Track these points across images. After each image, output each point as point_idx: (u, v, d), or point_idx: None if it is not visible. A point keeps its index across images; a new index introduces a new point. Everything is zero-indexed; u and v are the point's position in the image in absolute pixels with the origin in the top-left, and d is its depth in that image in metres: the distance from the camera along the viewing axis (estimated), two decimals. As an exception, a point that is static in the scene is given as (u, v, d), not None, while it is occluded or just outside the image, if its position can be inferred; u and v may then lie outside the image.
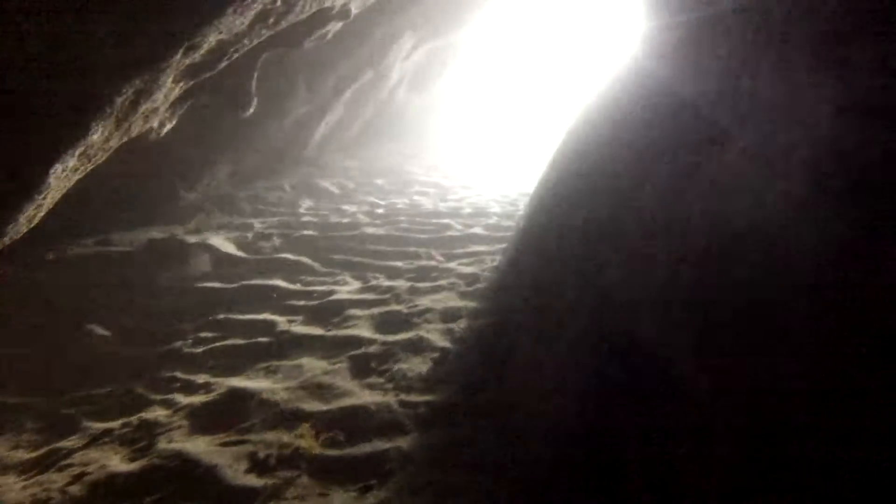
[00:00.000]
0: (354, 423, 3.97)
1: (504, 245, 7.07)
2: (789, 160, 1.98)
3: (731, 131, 2.44)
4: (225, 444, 3.90)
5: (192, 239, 7.46)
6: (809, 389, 1.66)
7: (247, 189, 10.12)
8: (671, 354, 2.23)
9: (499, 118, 21.89)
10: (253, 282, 6.49)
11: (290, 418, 4.09)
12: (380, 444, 3.73)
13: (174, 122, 6.65)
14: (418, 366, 4.61)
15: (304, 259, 7.06)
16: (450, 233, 7.98)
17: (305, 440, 3.86)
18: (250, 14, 5.40)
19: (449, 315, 5.45)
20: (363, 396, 4.25)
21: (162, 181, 8.56)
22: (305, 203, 9.65)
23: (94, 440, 4.07)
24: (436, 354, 4.75)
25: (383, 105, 14.30)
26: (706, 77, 2.90)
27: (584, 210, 3.89)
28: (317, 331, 5.38)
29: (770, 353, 1.79)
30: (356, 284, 6.38)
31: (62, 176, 4.85)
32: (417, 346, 4.91)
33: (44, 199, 4.86)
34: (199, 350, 5.23)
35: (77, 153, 4.79)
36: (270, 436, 3.93)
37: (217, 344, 5.30)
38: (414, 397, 4.19)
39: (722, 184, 2.31)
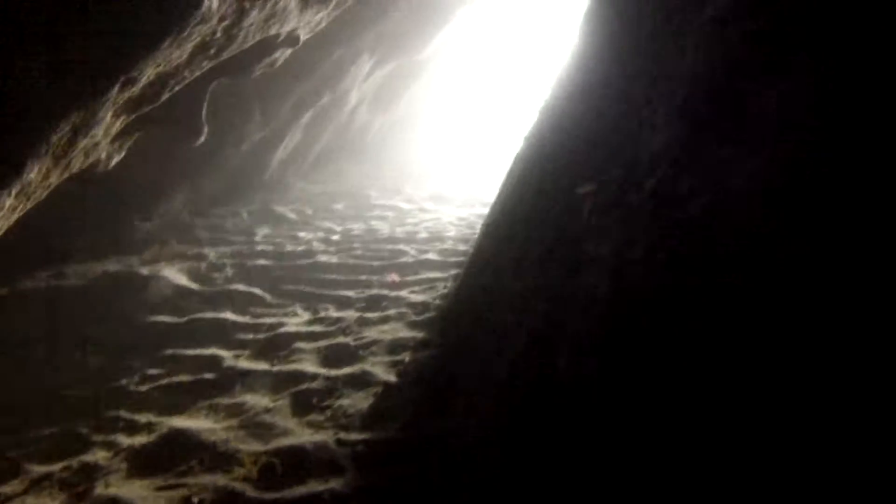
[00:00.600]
0: (291, 463, 3.92)
1: (457, 271, 7.05)
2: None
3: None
4: (161, 489, 3.83)
5: (145, 271, 7.39)
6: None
7: (204, 216, 10.03)
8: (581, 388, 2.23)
9: (465, 132, 21.95)
10: (203, 315, 6.41)
11: (227, 460, 4.03)
12: (315, 486, 3.67)
13: (123, 154, 6.57)
14: (360, 401, 4.55)
15: (256, 290, 7.00)
16: (404, 259, 7.94)
17: (246, 469, 3.84)
18: (188, 46, 5.34)
19: (396, 347, 5.39)
20: (302, 435, 4.18)
21: (117, 211, 8.46)
22: (262, 231, 9.56)
23: (34, 484, 4.00)
24: (379, 389, 4.69)
25: (344, 127, 14.25)
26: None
27: (517, 242, 3.88)
28: (262, 366, 5.32)
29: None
30: (306, 316, 6.32)
31: (1, 214, 4.77)
32: (361, 381, 4.85)
33: (-22, 238, 4.79)
34: (146, 388, 5.15)
35: (14, 192, 4.71)
36: (207, 479, 3.87)
37: (163, 381, 5.23)
38: (353, 435, 4.12)
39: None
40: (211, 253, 8.37)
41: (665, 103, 2.45)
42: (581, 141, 3.52)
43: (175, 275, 7.41)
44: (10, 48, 4.18)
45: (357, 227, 9.81)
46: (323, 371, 5.10)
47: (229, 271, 7.65)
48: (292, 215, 10.63)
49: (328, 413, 4.46)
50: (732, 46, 2.12)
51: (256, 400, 4.75)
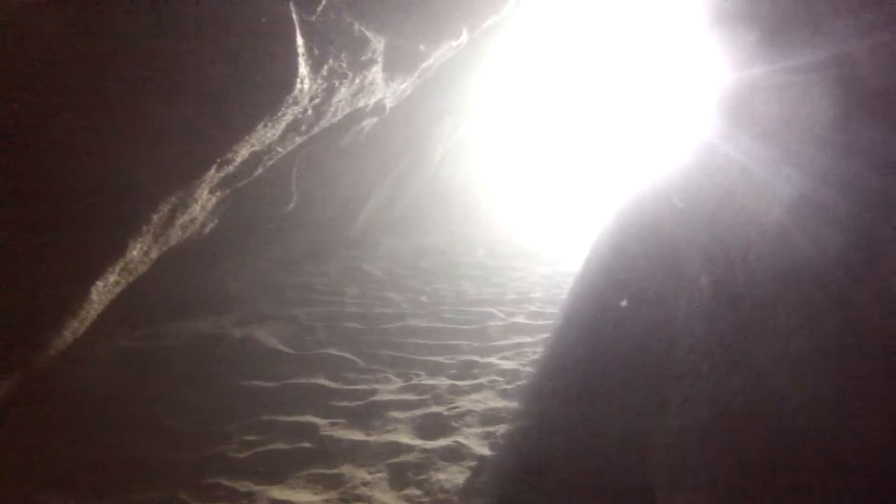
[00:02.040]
0: (390, 542, 3.98)
1: (545, 335, 7.06)
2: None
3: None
4: (262, 565, 3.92)
5: (237, 333, 7.55)
6: None
7: (292, 275, 10.22)
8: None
9: (547, 181, 21.88)
10: (297, 380, 6.49)
11: (328, 535, 4.11)
12: (413, 567, 3.74)
13: (216, 222, 6.79)
14: (456, 475, 4.59)
15: (348, 355, 7.07)
16: (492, 322, 7.97)
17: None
18: (281, 126, 5.52)
19: (488, 418, 5.43)
20: (400, 511, 4.26)
21: (208, 272, 8.69)
22: (351, 290, 9.68)
23: (137, 555, 4.12)
24: (474, 463, 4.73)
25: (427, 184, 14.43)
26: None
27: (605, 333, 3.90)
28: (358, 435, 5.38)
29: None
30: (398, 383, 6.38)
31: (104, 291, 4.98)
32: (456, 454, 4.89)
33: (86, 313, 4.99)
34: (244, 455, 5.23)
35: (117, 269, 4.91)
36: (305, 555, 3.95)
37: (261, 449, 5.30)
38: (450, 512, 4.19)
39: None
40: (301, 314, 8.50)
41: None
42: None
43: (267, 337, 7.53)
44: (112, 140, 4.40)
45: (444, 288, 9.89)
46: (418, 443, 5.15)
47: (321, 334, 7.76)
48: (380, 274, 10.76)
49: (425, 487, 4.51)
50: None
51: (353, 472, 4.81)
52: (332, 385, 6.40)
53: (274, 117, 5.25)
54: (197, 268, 8.22)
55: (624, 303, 3.82)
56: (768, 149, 2.93)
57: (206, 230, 6.67)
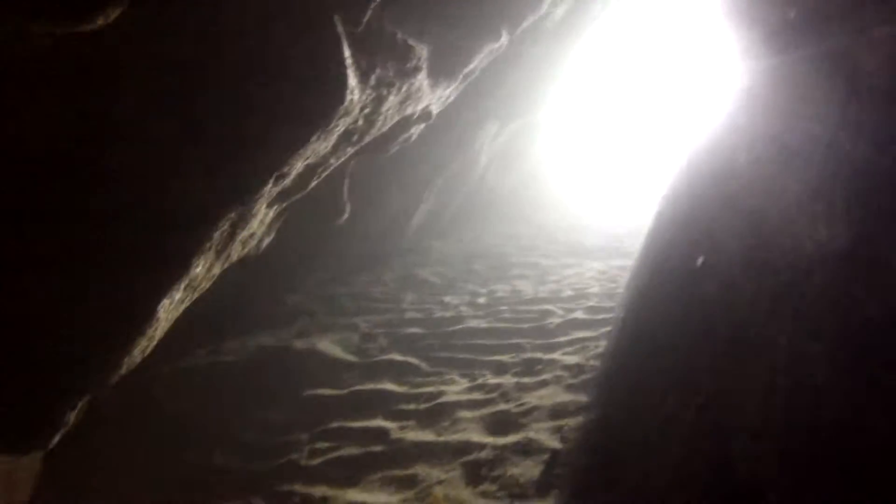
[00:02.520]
0: (471, 535, 4.04)
1: (606, 328, 7.07)
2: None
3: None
4: (345, 565, 4.00)
5: (299, 344, 7.64)
6: None
7: (349, 285, 10.32)
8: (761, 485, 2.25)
9: (596, 178, 21.84)
10: (363, 387, 6.60)
11: (408, 535, 4.18)
12: (497, 557, 3.79)
13: (273, 236, 6.90)
14: (530, 470, 4.64)
15: (411, 359, 7.16)
16: (551, 319, 8.00)
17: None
18: (333, 137, 5.61)
19: (557, 412, 5.46)
20: (478, 505, 4.32)
21: (266, 287, 8.82)
22: (408, 297, 9.77)
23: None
24: (545, 456, 4.77)
25: (475, 188, 14.48)
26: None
27: (675, 311, 3.91)
28: (428, 436, 5.46)
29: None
30: (464, 383, 6.45)
31: (170, 308, 5.09)
32: (528, 449, 4.94)
33: (154, 331, 5.10)
34: (316, 462, 5.34)
35: (182, 286, 5.02)
36: (390, 553, 4.02)
37: (332, 455, 5.41)
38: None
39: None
40: (361, 322, 8.59)
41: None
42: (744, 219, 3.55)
43: (329, 347, 7.62)
44: (176, 158, 4.52)
45: (501, 289, 9.93)
46: (489, 440, 5.21)
47: (382, 341, 7.85)
48: (434, 279, 10.83)
49: (500, 482, 4.56)
50: None
51: (428, 471, 4.88)
52: (399, 389, 6.48)
53: (327, 129, 5.33)
54: (255, 283, 8.35)
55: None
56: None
57: (264, 245, 6.78)
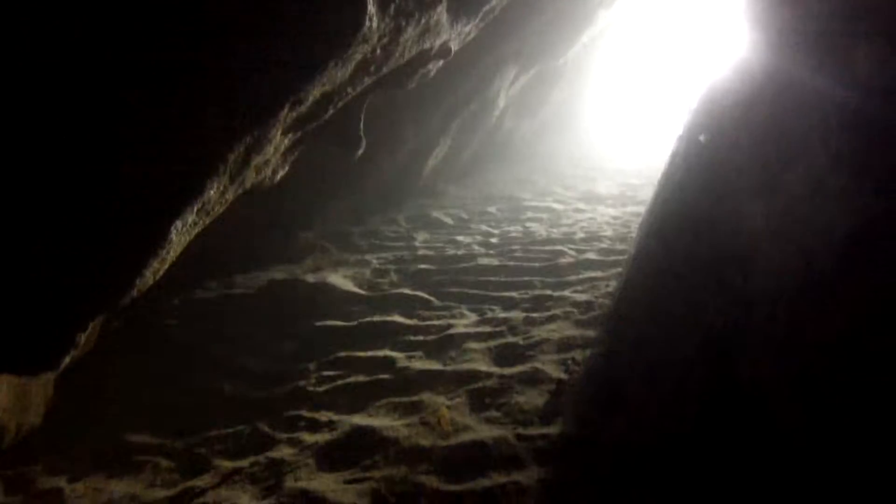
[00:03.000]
0: (473, 457, 4.06)
1: (618, 269, 7.07)
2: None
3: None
4: (348, 482, 4.03)
5: (310, 278, 7.68)
6: None
7: (362, 224, 10.37)
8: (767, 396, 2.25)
9: (613, 129, 21.73)
10: (372, 318, 6.63)
11: (410, 454, 4.21)
12: (498, 479, 3.81)
13: (287, 169, 6.87)
14: (535, 398, 4.66)
15: (422, 293, 7.18)
16: (563, 259, 8.00)
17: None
18: (351, 65, 5.56)
19: (564, 345, 5.48)
20: (482, 431, 4.32)
21: (279, 222, 8.82)
22: (421, 236, 9.81)
23: (225, 479, 4.27)
24: (552, 386, 4.79)
25: (492, 132, 14.41)
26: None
27: (684, 242, 3.90)
28: (436, 366, 5.49)
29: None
30: (473, 317, 6.47)
31: (182, 231, 5.08)
32: (534, 379, 4.96)
33: (167, 253, 5.11)
34: (323, 388, 5.38)
35: (195, 209, 5.01)
36: (392, 471, 4.05)
37: (339, 382, 5.45)
38: (531, 430, 4.24)
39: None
40: (373, 259, 8.64)
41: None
42: (752, 139, 3.52)
43: (340, 280, 7.66)
44: (186, 77, 4.49)
45: (514, 230, 9.93)
46: (496, 370, 5.23)
47: (394, 276, 7.88)
48: (448, 220, 10.86)
49: (504, 409, 4.58)
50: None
51: (433, 398, 4.91)
52: (408, 322, 6.51)
53: (344, 56, 5.28)
54: (268, 219, 8.35)
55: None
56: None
57: (278, 177, 6.76)
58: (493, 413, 4.57)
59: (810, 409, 2.03)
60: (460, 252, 8.73)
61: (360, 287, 7.56)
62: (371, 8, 5.24)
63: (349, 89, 6.10)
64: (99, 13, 4.04)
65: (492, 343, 5.77)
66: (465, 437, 4.29)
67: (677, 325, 3.52)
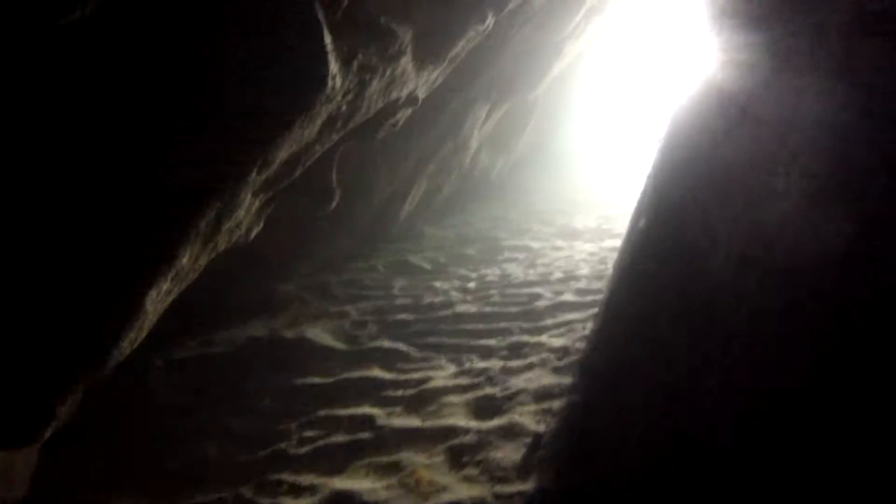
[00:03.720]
0: (453, 518, 4.09)
1: (594, 310, 7.10)
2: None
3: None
4: (328, 551, 4.05)
5: (289, 334, 7.69)
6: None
7: (341, 273, 10.35)
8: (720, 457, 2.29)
9: (590, 160, 21.84)
10: (351, 374, 6.64)
11: (390, 519, 4.24)
12: (477, 540, 3.83)
13: (261, 225, 6.90)
14: (512, 453, 4.66)
15: (400, 345, 7.20)
16: (540, 302, 8.01)
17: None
18: (317, 123, 5.61)
19: (541, 394, 5.49)
20: (460, 491, 4.34)
21: (257, 276, 8.83)
22: (399, 283, 9.80)
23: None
24: (529, 439, 4.80)
25: (467, 172, 14.48)
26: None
27: (651, 290, 3.94)
28: (414, 422, 5.51)
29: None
30: (451, 368, 6.47)
31: (157, 300, 5.11)
32: (511, 432, 4.97)
33: (143, 322, 5.13)
34: (304, 450, 5.39)
35: (169, 277, 5.04)
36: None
37: (320, 443, 5.46)
38: (508, 488, 4.26)
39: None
40: (352, 310, 8.62)
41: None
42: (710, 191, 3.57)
43: (319, 335, 7.66)
44: (156, 145, 4.53)
45: (491, 273, 9.95)
46: (474, 424, 5.24)
47: (372, 328, 7.88)
48: (426, 265, 10.87)
49: (482, 466, 4.60)
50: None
51: (412, 457, 4.92)
52: (387, 376, 6.52)
53: (309, 114, 5.34)
54: (246, 272, 8.36)
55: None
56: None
57: (252, 234, 6.78)
58: (471, 471, 4.58)
59: (757, 462, 2.07)
60: (438, 299, 8.74)
61: (339, 340, 7.56)
62: (333, 67, 5.30)
63: (317, 147, 6.16)
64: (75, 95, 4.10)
65: (470, 395, 5.79)
66: (444, 497, 4.32)
67: (646, 377, 3.55)
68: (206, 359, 7.23)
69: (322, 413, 5.94)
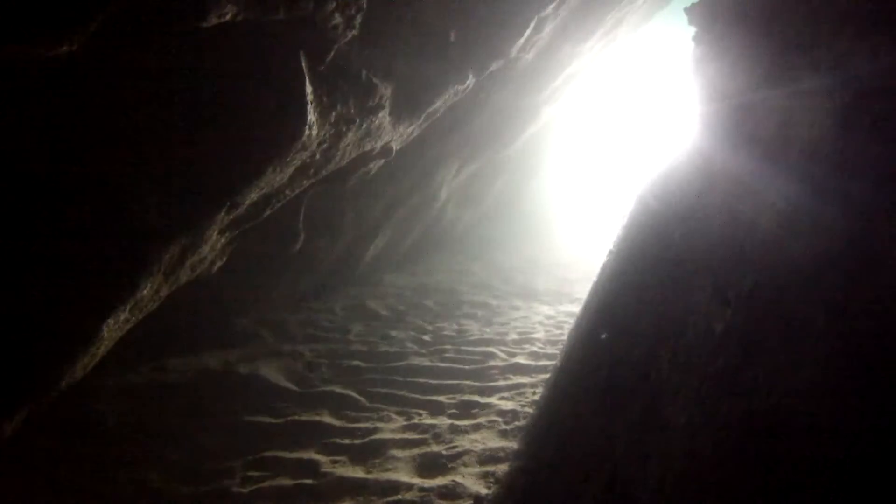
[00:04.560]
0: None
1: (545, 375, 7.21)
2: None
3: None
4: None
5: (243, 370, 7.72)
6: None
7: (298, 312, 10.43)
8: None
9: (556, 219, 22.04)
10: (301, 417, 6.67)
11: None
12: None
13: (225, 259, 6.96)
14: (451, 514, 4.76)
15: (351, 392, 7.24)
16: (493, 362, 8.13)
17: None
18: (290, 169, 5.71)
19: (486, 457, 5.57)
20: (396, 550, 4.42)
21: (214, 309, 8.85)
22: (356, 328, 9.86)
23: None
24: (470, 502, 4.89)
25: (433, 223, 14.65)
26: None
27: (602, 374, 4.03)
28: (358, 473, 5.54)
29: None
30: (399, 421, 6.53)
31: (114, 328, 5.14)
32: (453, 493, 5.04)
33: (97, 349, 5.15)
34: (247, 490, 5.39)
35: (128, 307, 5.08)
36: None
37: (264, 484, 5.46)
38: (441, 552, 4.34)
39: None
40: (306, 351, 8.68)
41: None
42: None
43: (272, 373, 7.69)
44: (125, 180, 4.59)
45: (447, 327, 10.06)
46: (417, 481, 5.30)
47: (325, 371, 7.93)
48: (384, 311, 10.95)
49: (422, 527, 4.67)
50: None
51: (353, 509, 4.98)
52: (336, 423, 6.55)
53: (283, 161, 5.44)
54: (204, 303, 8.38)
55: (604, 335, 3.97)
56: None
57: (216, 267, 6.84)
58: (410, 530, 4.65)
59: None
60: (393, 349, 8.81)
61: (292, 381, 7.59)
62: (311, 117, 5.41)
63: (287, 191, 6.24)
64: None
65: (416, 451, 5.84)
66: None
67: (589, 456, 3.63)
68: (158, 385, 7.25)
69: (268, 454, 5.94)
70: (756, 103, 3.55)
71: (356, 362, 8.28)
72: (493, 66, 8.96)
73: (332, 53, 5.44)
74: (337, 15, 5.11)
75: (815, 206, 2.42)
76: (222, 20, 4.18)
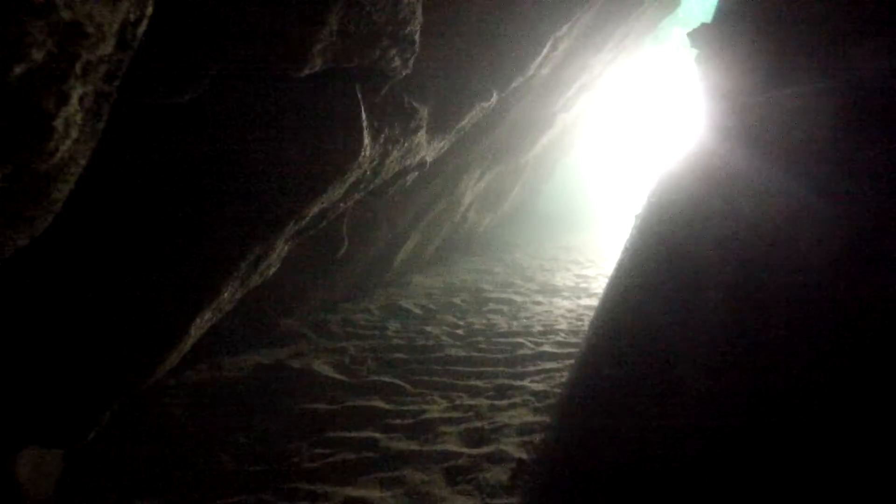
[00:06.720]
0: (451, 523, 4.92)
1: (571, 361, 7.97)
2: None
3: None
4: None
5: (295, 364, 8.44)
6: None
7: (337, 313, 11.18)
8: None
9: (573, 219, 22.42)
10: (354, 403, 7.37)
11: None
12: (471, 538, 4.67)
13: (279, 266, 7.76)
14: (500, 474, 5.57)
15: (397, 381, 7.98)
16: (522, 351, 8.95)
17: None
18: (345, 186, 6.50)
19: (524, 430, 6.40)
20: (456, 501, 5.23)
21: (264, 309, 9.58)
22: (392, 325, 10.61)
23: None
24: (513, 464, 5.72)
25: (457, 226, 15.38)
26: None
27: (617, 353, 4.64)
28: (413, 446, 6.30)
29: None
30: (443, 403, 7.30)
31: (199, 326, 5.94)
32: (499, 458, 5.87)
33: (185, 345, 5.95)
34: (316, 464, 6.06)
35: (212, 308, 5.90)
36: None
37: (331, 459, 6.14)
38: (497, 501, 5.17)
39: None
40: (350, 347, 9.42)
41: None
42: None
43: (322, 367, 8.41)
44: (207, 204, 5.43)
45: (477, 322, 10.82)
46: (465, 450, 6.09)
47: (370, 364, 8.69)
48: (417, 310, 11.70)
49: (474, 483, 5.47)
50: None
51: (413, 474, 5.73)
52: (386, 406, 7.26)
53: (342, 179, 6.24)
54: (252, 305, 9.10)
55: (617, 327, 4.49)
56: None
57: (271, 272, 7.61)
58: (465, 486, 5.45)
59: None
60: (430, 343, 9.58)
61: (341, 373, 8.29)
62: (366, 140, 6.23)
63: (341, 204, 7.03)
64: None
65: (461, 427, 6.62)
66: (444, 505, 5.16)
67: (612, 425, 4.26)
68: (218, 381, 7.94)
69: (330, 434, 6.62)
70: (759, 104, 4.00)
71: (398, 355, 9.03)
72: (515, 84, 9.75)
73: (387, 87, 6.27)
74: (397, 59, 5.91)
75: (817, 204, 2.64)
76: (312, 71, 5.02)
